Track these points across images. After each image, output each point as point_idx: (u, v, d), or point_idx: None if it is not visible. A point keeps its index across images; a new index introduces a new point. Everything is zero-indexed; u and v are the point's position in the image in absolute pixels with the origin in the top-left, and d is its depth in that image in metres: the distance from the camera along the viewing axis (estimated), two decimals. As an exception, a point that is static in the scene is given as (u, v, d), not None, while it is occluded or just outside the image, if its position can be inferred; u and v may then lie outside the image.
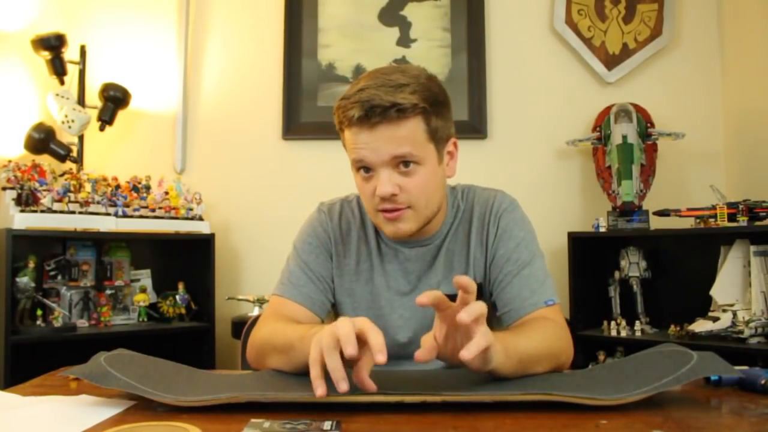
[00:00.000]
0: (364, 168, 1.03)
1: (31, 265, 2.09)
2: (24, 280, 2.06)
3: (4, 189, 2.14)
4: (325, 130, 2.65)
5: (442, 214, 1.15)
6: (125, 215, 2.29)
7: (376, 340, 0.77)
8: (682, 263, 2.31)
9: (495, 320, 1.18)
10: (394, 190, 1.01)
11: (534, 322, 1.03)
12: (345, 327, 0.78)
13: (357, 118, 0.98)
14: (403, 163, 1.01)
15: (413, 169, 1.02)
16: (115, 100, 2.48)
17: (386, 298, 1.15)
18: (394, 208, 1.03)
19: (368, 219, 1.18)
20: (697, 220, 2.11)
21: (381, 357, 0.75)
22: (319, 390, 0.76)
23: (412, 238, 1.12)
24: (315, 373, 0.77)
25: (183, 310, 2.39)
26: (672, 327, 2.12)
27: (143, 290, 2.37)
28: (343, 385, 0.75)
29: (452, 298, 1.12)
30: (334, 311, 1.21)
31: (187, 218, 2.42)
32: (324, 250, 1.17)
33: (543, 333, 0.98)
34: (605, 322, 2.25)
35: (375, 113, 0.97)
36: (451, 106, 1.10)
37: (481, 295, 1.14)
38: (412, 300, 1.13)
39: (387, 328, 1.13)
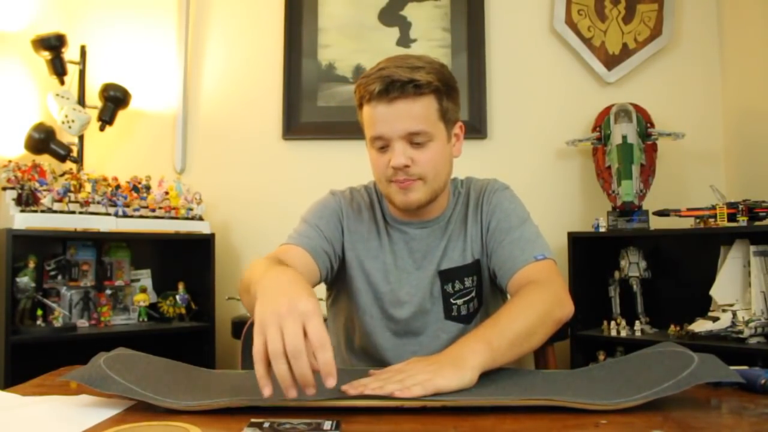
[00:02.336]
0: (380, 142, 1.11)
1: (32, 265, 2.09)
2: (24, 280, 2.06)
3: (4, 189, 2.14)
4: (325, 130, 2.65)
5: (445, 198, 1.23)
6: (125, 215, 2.29)
7: (323, 360, 0.72)
8: (682, 263, 2.31)
9: (492, 295, 1.23)
10: (407, 162, 1.09)
11: (518, 294, 1.06)
12: (294, 337, 0.71)
13: (377, 91, 1.07)
14: (416, 137, 1.09)
15: (425, 144, 1.10)
16: (115, 100, 2.48)
17: (395, 275, 1.21)
18: (406, 179, 1.11)
19: (376, 201, 1.26)
20: (697, 220, 2.11)
21: (331, 381, 0.72)
22: (266, 390, 0.72)
23: (419, 219, 1.21)
24: (260, 372, 0.73)
25: (183, 310, 2.39)
26: (672, 327, 2.13)
27: (143, 290, 2.37)
28: (292, 392, 0.72)
29: (450, 271, 1.19)
30: (343, 286, 1.25)
31: (187, 218, 2.42)
32: (335, 218, 1.23)
33: (529, 301, 1.02)
34: (605, 322, 2.25)
35: (394, 87, 1.06)
36: (459, 94, 1.19)
37: (479, 270, 1.21)
38: (417, 278, 1.21)
39: (395, 304, 1.20)
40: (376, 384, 0.81)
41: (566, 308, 1.05)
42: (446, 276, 1.20)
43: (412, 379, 0.81)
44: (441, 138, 1.13)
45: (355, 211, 1.25)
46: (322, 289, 1.31)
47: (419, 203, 1.14)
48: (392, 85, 1.06)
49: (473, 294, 1.20)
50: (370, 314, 1.21)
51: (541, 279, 1.09)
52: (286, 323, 0.73)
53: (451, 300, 1.20)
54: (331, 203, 1.25)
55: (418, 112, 1.08)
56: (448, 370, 0.83)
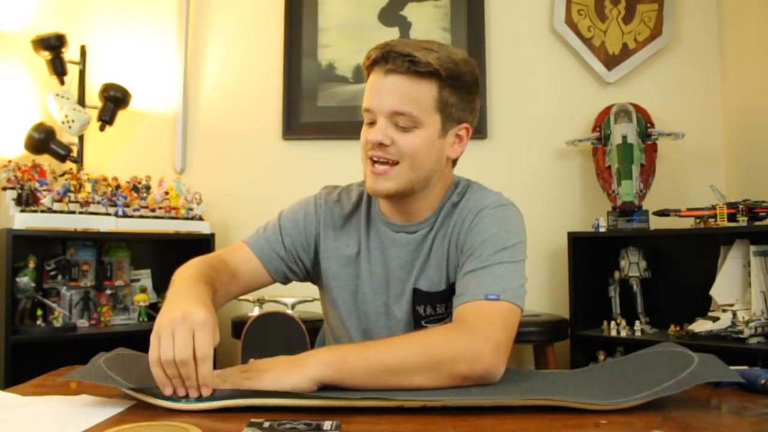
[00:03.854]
0: (369, 115, 1.05)
1: (32, 265, 2.09)
2: (24, 280, 2.06)
3: (4, 189, 2.14)
4: (325, 130, 2.65)
5: (436, 200, 1.12)
6: (125, 215, 2.29)
7: (201, 372, 0.79)
8: (682, 263, 2.31)
9: None
10: (384, 140, 1.02)
11: (428, 329, 1.02)
12: (183, 347, 0.79)
13: (374, 58, 1.03)
14: (400, 119, 1.02)
15: (410, 129, 1.02)
16: (115, 100, 2.48)
17: (370, 284, 1.13)
18: (383, 158, 1.03)
19: (364, 202, 1.17)
20: (697, 220, 2.11)
21: (205, 391, 0.80)
22: (167, 390, 0.79)
23: (405, 220, 1.11)
24: (158, 375, 0.79)
25: (183, 310, 2.39)
26: (672, 327, 2.13)
27: (143, 290, 2.37)
28: (180, 392, 0.80)
29: (424, 294, 1.10)
30: (324, 293, 1.20)
31: (187, 218, 2.42)
32: (305, 229, 1.17)
33: (424, 340, 0.91)
34: (605, 322, 2.25)
35: (390, 57, 1.01)
36: (478, 98, 1.11)
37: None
38: (390, 288, 1.12)
39: (368, 315, 1.13)
40: (228, 386, 0.82)
41: (479, 365, 0.86)
42: (419, 297, 1.10)
43: (256, 374, 0.83)
44: (431, 129, 1.03)
45: (336, 219, 1.17)
46: (315, 291, 1.30)
47: (388, 192, 1.05)
48: (389, 55, 1.01)
49: (446, 320, 1.09)
50: (346, 323, 1.16)
51: (472, 322, 0.93)
52: (178, 331, 0.80)
53: (423, 323, 1.10)
54: (311, 210, 1.19)
55: (410, 92, 1.01)
56: (278, 371, 0.84)
